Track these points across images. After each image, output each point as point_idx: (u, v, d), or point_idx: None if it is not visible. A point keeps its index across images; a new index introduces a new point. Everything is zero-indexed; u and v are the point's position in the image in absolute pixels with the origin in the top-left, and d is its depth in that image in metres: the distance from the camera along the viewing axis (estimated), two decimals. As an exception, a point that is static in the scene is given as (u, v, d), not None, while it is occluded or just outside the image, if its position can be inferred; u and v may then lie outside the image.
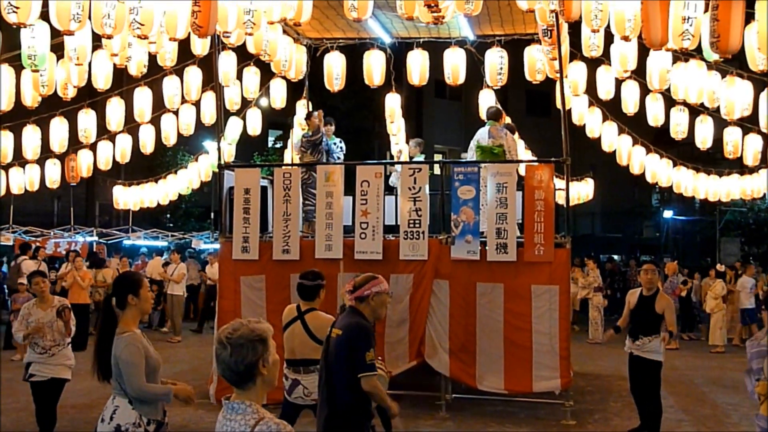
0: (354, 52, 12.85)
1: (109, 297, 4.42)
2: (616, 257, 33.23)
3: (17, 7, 7.18)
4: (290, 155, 14.02)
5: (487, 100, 13.25)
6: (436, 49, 12.12)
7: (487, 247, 9.20)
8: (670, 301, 8.26)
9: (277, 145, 29.19)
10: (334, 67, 12.16)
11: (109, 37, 8.01)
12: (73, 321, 7.41)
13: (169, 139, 13.22)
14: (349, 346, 4.51)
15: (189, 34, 8.20)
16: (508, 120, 12.01)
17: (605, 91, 12.06)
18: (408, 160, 11.69)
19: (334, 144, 11.36)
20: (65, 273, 15.98)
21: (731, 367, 13.57)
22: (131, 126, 12.94)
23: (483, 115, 13.12)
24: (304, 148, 10.89)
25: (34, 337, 7.12)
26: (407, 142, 14.63)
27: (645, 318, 7.94)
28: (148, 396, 4.34)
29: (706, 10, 7.34)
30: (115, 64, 10.21)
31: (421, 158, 11.74)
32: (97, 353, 4.39)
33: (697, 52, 9.43)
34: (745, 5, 7.08)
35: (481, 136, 10.38)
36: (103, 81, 10.31)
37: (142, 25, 7.68)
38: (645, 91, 11.72)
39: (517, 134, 11.64)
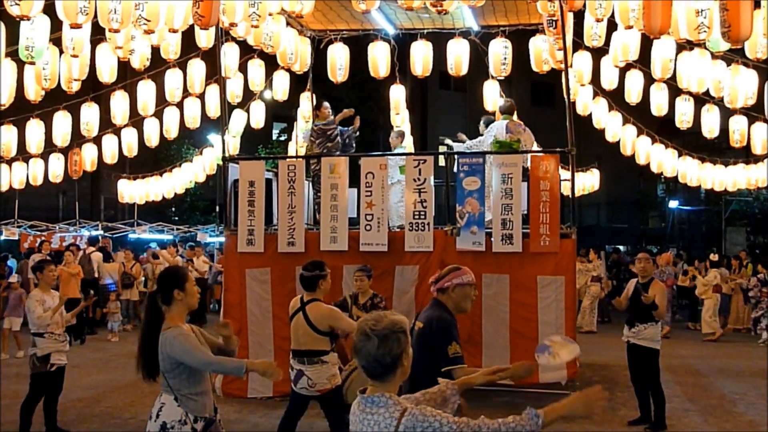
0: (358, 44, 12.82)
1: (154, 293, 4.33)
2: (621, 248, 33.17)
3: (19, 0, 7.17)
4: (295, 148, 14.01)
5: (491, 91, 13.22)
6: (440, 40, 12.07)
7: (492, 238, 9.18)
8: (663, 287, 8.27)
9: (282, 138, 29.16)
10: (338, 59, 12.12)
11: (116, 31, 8.00)
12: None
13: (170, 132, 13.21)
14: (430, 340, 4.39)
15: (193, 26, 8.19)
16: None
17: (609, 81, 12.01)
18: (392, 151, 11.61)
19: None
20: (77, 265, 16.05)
21: (736, 355, 13.57)
22: (136, 119, 12.94)
23: (488, 106, 13.18)
24: (313, 137, 10.71)
25: (50, 324, 7.38)
26: (411, 134, 14.63)
27: (640, 305, 7.96)
28: (216, 367, 4.29)
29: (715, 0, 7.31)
30: (118, 57, 10.20)
31: (404, 150, 11.66)
32: (141, 349, 4.28)
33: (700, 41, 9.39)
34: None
35: (499, 131, 10.31)
36: (107, 74, 10.31)
37: (149, 20, 7.68)
38: (649, 80, 11.66)
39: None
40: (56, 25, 8.50)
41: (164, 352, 4.14)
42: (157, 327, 4.21)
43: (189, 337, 4.19)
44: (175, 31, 8.32)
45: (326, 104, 10.73)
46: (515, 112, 11.33)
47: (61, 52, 9.62)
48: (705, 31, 7.55)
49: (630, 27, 8.17)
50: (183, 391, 4.17)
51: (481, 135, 10.86)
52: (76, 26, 7.68)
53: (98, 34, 9.21)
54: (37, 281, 7.99)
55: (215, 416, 4.33)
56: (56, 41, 9.12)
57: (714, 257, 17.42)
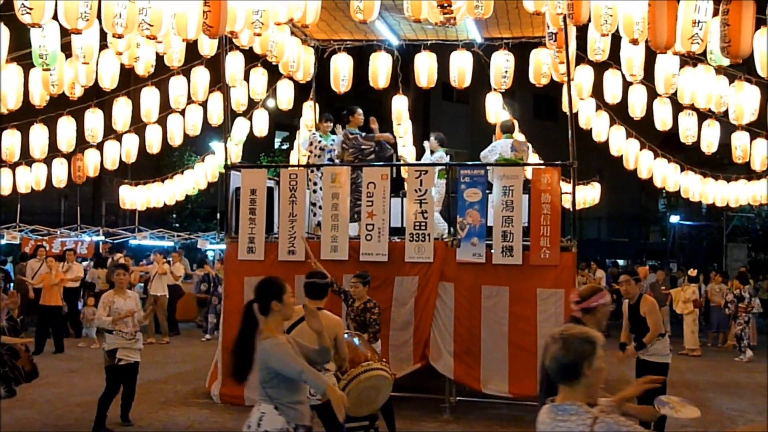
0: (361, 54, 12.85)
1: (250, 302, 4.39)
2: (621, 262, 33.14)
3: (31, 8, 7.20)
4: (297, 156, 14.03)
5: (494, 103, 13.23)
6: (443, 51, 12.10)
7: (492, 250, 9.19)
8: (653, 303, 8.17)
9: (284, 147, 29.22)
10: (342, 69, 12.15)
11: (120, 36, 8.03)
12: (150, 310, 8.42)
13: (174, 139, 13.23)
14: None
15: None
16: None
17: (612, 95, 12.02)
18: (430, 154, 11.61)
19: (332, 141, 11.15)
20: (63, 272, 16.00)
21: (736, 371, 13.54)
22: (138, 126, 12.97)
23: (490, 118, 13.19)
24: (346, 145, 10.59)
25: (117, 323, 8.14)
26: (414, 144, 14.64)
27: (639, 325, 7.93)
28: (307, 378, 4.27)
29: (715, 15, 7.32)
30: (122, 64, 10.23)
31: (442, 153, 11.67)
32: (234, 356, 4.31)
33: (703, 57, 9.40)
34: (755, 10, 7.07)
35: (504, 149, 10.37)
36: (109, 80, 10.32)
37: (151, 25, 7.69)
38: (652, 95, 11.68)
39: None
40: (64, 31, 8.52)
41: (262, 362, 4.20)
42: (251, 335, 4.26)
43: (285, 346, 4.26)
44: (187, 41, 8.36)
45: (359, 110, 10.70)
46: (515, 129, 11.36)
47: (67, 57, 9.66)
48: (698, 43, 7.53)
49: (635, 41, 8.17)
50: (282, 400, 4.20)
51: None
52: (76, 32, 7.69)
53: (102, 40, 9.24)
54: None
55: (311, 424, 4.35)
56: (62, 47, 9.14)
57: (692, 273, 17.35)
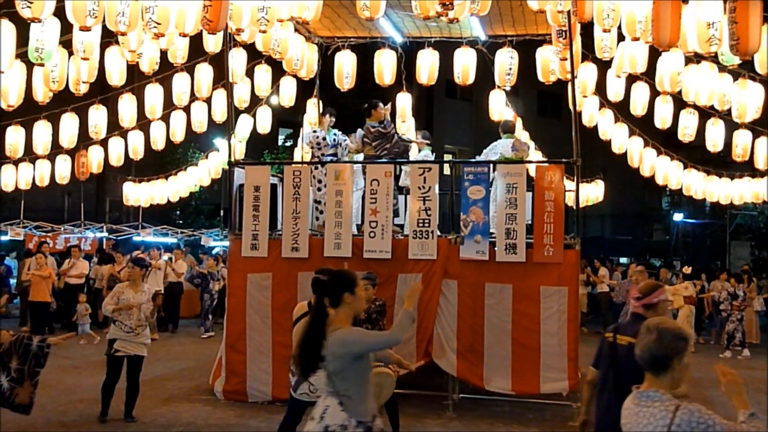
0: (365, 51, 12.84)
1: (320, 296, 4.37)
2: (624, 260, 33.11)
3: (31, 2, 7.22)
4: (300, 153, 14.03)
5: (498, 100, 13.23)
6: (447, 48, 12.09)
7: (496, 248, 9.18)
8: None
9: (288, 144, 29.24)
10: (345, 66, 12.15)
11: (123, 33, 8.04)
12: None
13: (176, 135, 13.24)
14: None
15: (201, 31, 8.22)
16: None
17: (614, 93, 12.02)
18: (418, 152, 11.60)
19: (335, 136, 11.04)
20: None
21: (740, 371, 13.49)
22: (142, 122, 12.98)
23: (494, 115, 13.21)
24: (368, 138, 10.34)
25: (120, 314, 8.23)
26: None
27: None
28: (394, 336, 4.35)
29: (724, 13, 7.31)
30: (127, 61, 10.25)
31: (428, 151, 11.66)
32: (302, 348, 4.30)
33: (711, 56, 9.38)
34: (762, 7, 7.06)
35: (505, 149, 10.36)
36: (117, 77, 10.35)
37: (159, 24, 7.71)
38: (655, 92, 11.66)
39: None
40: (66, 28, 8.55)
41: (334, 353, 4.16)
42: (322, 328, 4.25)
43: (359, 329, 4.35)
44: (186, 35, 8.35)
45: (381, 104, 10.61)
46: (516, 129, 11.37)
47: (70, 54, 9.68)
48: (716, 44, 7.57)
49: (637, 39, 8.17)
50: (350, 393, 4.17)
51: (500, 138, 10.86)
52: (85, 29, 7.73)
53: (107, 37, 9.25)
54: None
55: (373, 423, 4.30)
56: (65, 43, 9.16)
57: (687, 270, 17.34)
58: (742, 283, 16.43)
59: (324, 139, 10.48)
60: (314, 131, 10.70)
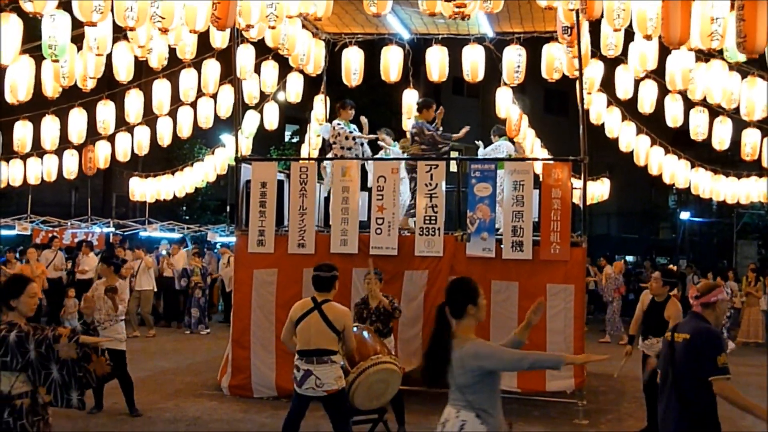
0: (373, 48, 12.83)
1: (442, 305, 4.28)
2: (630, 258, 33.05)
3: (32, -3, 7.23)
4: (307, 150, 14.04)
5: (504, 97, 13.21)
6: (454, 45, 12.07)
7: (502, 245, 9.17)
8: (678, 310, 8.16)
9: (294, 140, 29.24)
10: (353, 63, 12.14)
11: (132, 29, 8.06)
12: (120, 299, 8.42)
13: (182, 131, 13.25)
14: (700, 350, 4.58)
15: (209, 27, 8.23)
16: None
17: (623, 91, 11.97)
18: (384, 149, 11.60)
19: (353, 128, 10.92)
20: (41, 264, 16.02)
21: (743, 371, 13.47)
22: (149, 118, 13.00)
23: (501, 113, 13.25)
24: (419, 139, 10.35)
25: (89, 309, 7.93)
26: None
27: (656, 321, 7.97)
28: (534, 362, 4.33)
29: (731, 10, 7.28)
30: (136, 56, 10.26)
31: (395, 147, 11.67)
32: (426, 359, 4.26)
33: (718, 53, 9.35)
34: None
35: (509, 148, 10.44)
36: (124, 73, 10.35)
37: (163, 18, 7.73)
38: (663, 91, 11.62)
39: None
40: (75, 23, 8.55)
41: (465, 366, 4.07)
42: (446, 338, 4.17)
43: (490, 343, 4.25)
44: (196, 32, 8.36)
45: (435, 105, 10.61)
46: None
47: (79, 49, 9.69)
48: (717, 39, 7.52)
49: (648, 37, 8.14)
50: (484, 406, 4.07)
51: (493, 143, 10.89)
52: (91, 24, 7.72)
53: (115, 33, 9.26)
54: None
55: None
56: (73, 38, 9.16)
57: (673, 268, 17.38)
58: (738, 282, 16.53)
59: (351, 132, 10.52)
60: (339, 123, 10.68)
